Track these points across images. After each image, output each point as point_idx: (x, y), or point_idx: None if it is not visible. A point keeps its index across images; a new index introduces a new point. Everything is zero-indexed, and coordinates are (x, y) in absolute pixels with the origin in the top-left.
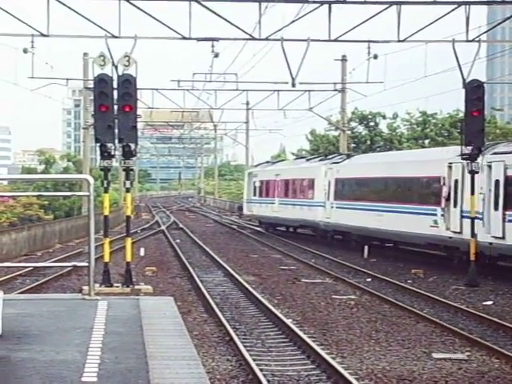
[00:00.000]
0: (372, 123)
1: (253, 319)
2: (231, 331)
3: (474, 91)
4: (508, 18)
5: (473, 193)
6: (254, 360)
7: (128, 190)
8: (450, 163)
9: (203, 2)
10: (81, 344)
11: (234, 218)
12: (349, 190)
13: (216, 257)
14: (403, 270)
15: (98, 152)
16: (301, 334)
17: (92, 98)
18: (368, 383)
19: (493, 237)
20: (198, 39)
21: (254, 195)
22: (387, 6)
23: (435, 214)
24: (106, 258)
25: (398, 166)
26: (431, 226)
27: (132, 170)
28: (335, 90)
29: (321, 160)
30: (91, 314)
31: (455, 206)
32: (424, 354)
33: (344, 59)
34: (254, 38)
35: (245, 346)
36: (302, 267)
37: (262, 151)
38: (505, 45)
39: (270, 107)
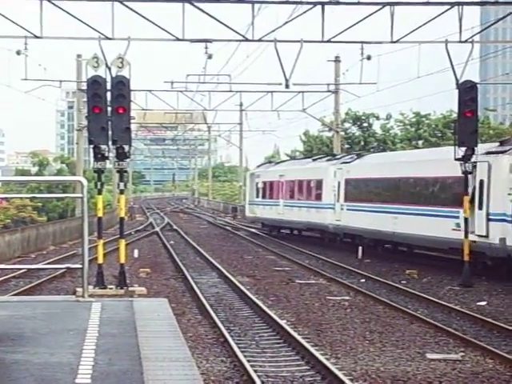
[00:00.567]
0: (365, 124)
1: (247, 320)
2: (225, 332)
3: (468, 92)
4: (501, 19)
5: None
6: (249, 361)
7: (122, 192)
8: (475, 162)
9: (196, 4)
10: (75, 346)
11: (228, 219)
12: (361, 191)
13: (210, 258)
14: (397, 270)
15: (92, 154)
16: (295, 334)
17: (85, 99)
18: None
19: None
20: (192, 40)
21: (257, 197)
22: (380, 6)
23: (457, 217)
24: (100, 260)
25: (416, 166)
26: (453, 230)
27: (126, 171)
28: (329, 91)
29: (328, 160)
30: (85, 316)
31: (480, 208)
32: (418, 354)
33: (337, 60)
34: (247, 40)
35: (239, 348)
36: (296, 268)
37: (256, 152)
38: (498, 45)
39: (263, 108)
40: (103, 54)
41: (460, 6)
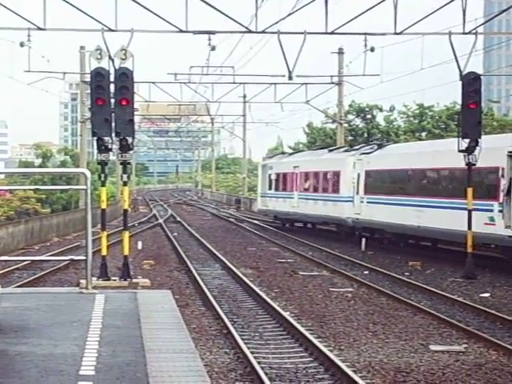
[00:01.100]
0: (369, 116)
1: (250, 312)
2: (229, 324)
3: (471, 83)
4: (505, 10)
5: (469, 185)
6: (252, 353)
7: (125, 184)
8: (511, 152)
9: None
10: (78, 337)
11: (232, 211)
12: (382, 183)
13: (213, 250)
14: (400, 262)
15: (95, 146)
16: (298, 326)
17: (89, 91)
18: (365, 376)
19: None
20: (195, 32)
21: (270, 189)
22: None
23: (491, 210)
24: (104, 252)
25: (444, 156)
26: (486, 224)
27: (129, 163)
28: (332, 83)
29: (346, 151)
30: (89, 308)
31: None
32: (421, 346)
33: (341, 52)
34: (250, 31)
35: (242, 339)
36: (299, 260)
37: (260, 144)
38: (501, 37)
39: (266, 100)
40: (106, 45)
41: None
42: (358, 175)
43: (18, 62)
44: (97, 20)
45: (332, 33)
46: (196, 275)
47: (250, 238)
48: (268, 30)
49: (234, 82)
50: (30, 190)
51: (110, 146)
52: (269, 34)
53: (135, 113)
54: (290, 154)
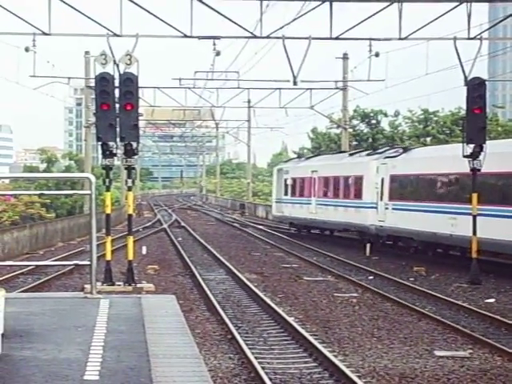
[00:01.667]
0: (374, 121)
1: (255, 317)
2: (233, 329)
3: (476, 89)
4: (510, 16)
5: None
6: (256, 358)
7: (130, 189)
8: None
9: (205, 0)
10: (83, 342)
11: (236, 216)
12: (409, 189)
13: (218, 255)
14: (405, 267)
15: (100, 150)
16: (303, 331)
17: (94, 96)
18: (370, 381)
19: None
20: (200, 37)
21: (286, 194)
22: (389, 3)
23: None
24: (108, 257)
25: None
26: None
27: (134, 168)
28: (337, 88)
29: (369, 154)
30: (93, 313)
31: None
32: (426, 351)
33: (345, 57)
34: (255, 36)
35: (247, 344)
36: (304, 265)
37: (264, 149)
38: (507, 42)
39: (271, 105)
40: (111, 50)
41: (468, 3)
42: (382, 180)
43: (23, 67)
44: (102, 25)
45: (337, 38)
46: (200, 280)
47: (254, 243)
48: (273, 35)
49: (239, 87)
50: (35, 194)
51: (114, 151)
52: (274, 39)
53: (140, 118)
54: (307, 158)
